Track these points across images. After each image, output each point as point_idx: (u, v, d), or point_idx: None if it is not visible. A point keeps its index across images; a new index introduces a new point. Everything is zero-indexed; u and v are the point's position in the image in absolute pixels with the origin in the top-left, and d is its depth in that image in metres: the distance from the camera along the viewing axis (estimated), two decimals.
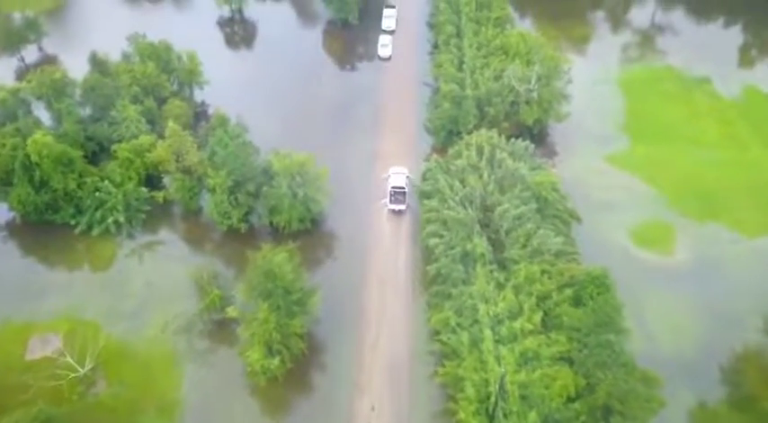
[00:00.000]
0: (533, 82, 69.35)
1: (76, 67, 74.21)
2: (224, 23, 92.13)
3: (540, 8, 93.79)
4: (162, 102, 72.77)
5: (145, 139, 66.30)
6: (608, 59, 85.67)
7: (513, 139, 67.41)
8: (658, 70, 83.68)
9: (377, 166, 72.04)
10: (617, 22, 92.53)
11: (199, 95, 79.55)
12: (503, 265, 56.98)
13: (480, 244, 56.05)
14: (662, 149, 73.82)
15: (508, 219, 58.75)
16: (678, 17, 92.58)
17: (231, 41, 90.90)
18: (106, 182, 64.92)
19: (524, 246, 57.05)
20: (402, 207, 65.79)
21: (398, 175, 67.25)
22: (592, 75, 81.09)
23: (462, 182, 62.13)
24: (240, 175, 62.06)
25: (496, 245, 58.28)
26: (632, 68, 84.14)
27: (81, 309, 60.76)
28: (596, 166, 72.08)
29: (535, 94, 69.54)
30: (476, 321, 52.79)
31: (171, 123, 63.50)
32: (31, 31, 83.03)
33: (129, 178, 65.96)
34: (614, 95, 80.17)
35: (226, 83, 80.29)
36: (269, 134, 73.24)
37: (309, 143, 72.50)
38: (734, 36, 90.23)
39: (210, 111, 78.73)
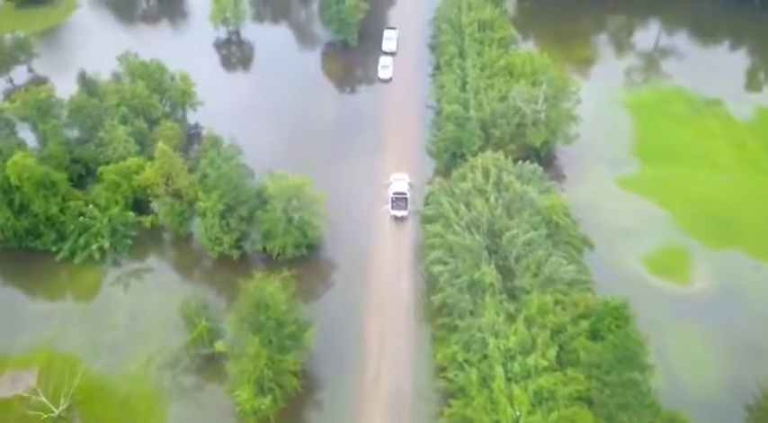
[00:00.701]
0: (541, 102, 65.83)
1: (67, 89, 70.62)
2: (221, 45, 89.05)
3: (542, 29, 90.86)
4: (153, 123, 69.08)
5: (133, 161, 62.36)
6: (614, 81, 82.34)
7: (520, 162, 63.61)
8: (667, 92, 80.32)
9: (378, 190, 68.11)
10: (622, 43, 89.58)
11: (193, 117, 75.98)
12: (513, 295, 52.53)
13: (489, 272, 51.68)
14: (674, 172, 69.92)
15: (517, 245, 54.51)
16: (683, 39, 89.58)
17: (228, 63, 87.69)
18: (91, 206, 60.77)
19: (536, 274, 52.70)
20: (404, 213, 63.27)
21: (400, 181, 65.44)
22: (599, 96, 77.56)
23: (468, 205, 58.04)
24: (232, 199, 57.96)
25: (506, 273, 53.91)
26: (640, 90, 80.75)
27: (60, 341, 56.10)
28: (607, 189, 68.10)
29: (543, 115, 65.94)
30: (485, 357, 48.13)
31: (160, 144, 59.60)
32: (21, 51, 79.78)
33: (116, 202, 61.82)
34: (623, 117, 76.61)
35: (221, 105, 76.81)
36: (265, 157, 69.42)
37: (307, 167, 68.44)
38: (742, 57, 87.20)
39: (204, 133, 75.13)
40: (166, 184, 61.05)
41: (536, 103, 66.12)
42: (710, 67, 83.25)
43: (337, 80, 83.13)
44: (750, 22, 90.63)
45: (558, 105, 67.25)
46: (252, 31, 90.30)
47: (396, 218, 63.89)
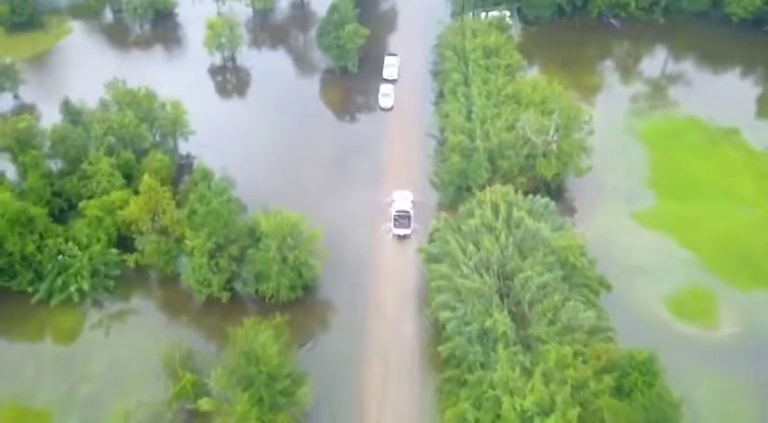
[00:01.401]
0: (552, 133, 61.52)
1: (54, 116, 66.37)
2: (216, 71, 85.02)
3: (548, 54, 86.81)
4: (142, 154, 64.59)
5: (117, 194, 57.71)
6: (625, 108, 78.12)
7: (530, 196, 59.05)
8: (680, 121, 76.02)
9: (378, 225, 63.41)
10: (630, 69, 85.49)
11: (185, 146, 71.64)
12: (527, 345, 47.44)
13: (502, 320, 46.64)
14: (694, 206, 65.28)
15: (531, 288, 49.59)
16: (694, 65, 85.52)
17: (223, 90, 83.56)
18: (70, 244, 55.88)
19: (552, 321, 47.68)
20: (407, 231, 60.54)
21: (403, 199, 62.69)
22: (610, 124, 73.22)
23: (476, 244, 53.24)
24: (222, 237, 53.15)
25: (519, 319, 48.91)
26: (652, 119, 76.49)
27: (31, 395, 50.75)
28: (623, 224, 63.35)
29: (554, 147, 61.56)
30: (498, 417, 42.86)
31: (146, 178, 55.02)
32: (6, 78, 75.72)
33: (98, 239, 56.98)
34: (636, 147, 72.18)
35: (215, 133, 72.54)
36: (260, 190, 65.18)
37: (305, 200, 64.34)
38: (755, 84, 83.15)
39: (196, 163, 70.74)
40: (152, 220, 56.41)
41: (546, 133, 61.80)
42: (724, 95, 79.12)
43: (337, 108, 78.95)
44: (761, 48, 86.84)
45: (570, 136, 62.93)
46: (248, 57, 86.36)
47: (398, 237, 60.66)
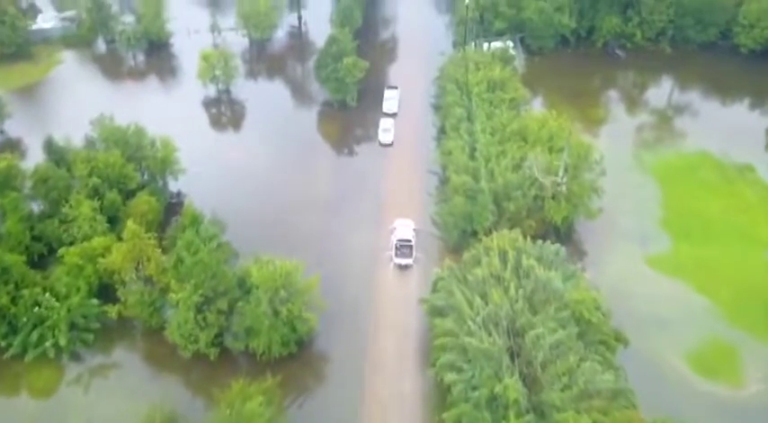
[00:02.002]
0: (561, 174, 57.75)
1: (41, 152, 62.80)
2: (210, 103, 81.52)
3: (553, 86, 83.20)
4: (129, 194, 60.70)
5: (98, 241, 53.60)
6: (634, 143, 74.44)
7: (539, 241, 54.97)
8: (692, 156, 72.32)
9: (377, 270, 59.36)
10: (638, 102, 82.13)
11: (175, 185, 67.79)
12: (541, 412, 42.94)
13: (513, 386, 42.21)
14: (710, 249, 61.18)
15: (543, 347, 45.17)
16: (703, 98, 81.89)
17: (217, 123, 79.98)
18: (47, 294, 51.58)
19: (567, 386, 43.30)
20: (409, 261, 58.13)
21: (405, 227, 60.28)
22: (619, 160, 69.31)
23: (483, 297, 49.00)
24: (210, 290, 48.97)
25: (531, 382, 44.46)
26: (663, 154, 72.71)
27: None
28: (637, 270, 59.20)
29: (563, 188, 57.74)
30: None
31: (130, 223, 51.01)
32: None
33: (78, 289, 52.65)
34: (647, 185, 68.31)
35: (208, 169, 68.92)
36: (253, 231, 61.52)
37: (300, 242, 60.67)
38: (767, 118, 79.97)
39: (186, 203, 66.72)
40: (136, 269, 52.30)
41: (555, 174, 58.02)
42: (735, 128, 75.35)
43: (335, 143, 75.23)
44: None
45: (580, 176, 59.12)
46: (244, 89, 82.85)
47: (400, 266, 58.15)
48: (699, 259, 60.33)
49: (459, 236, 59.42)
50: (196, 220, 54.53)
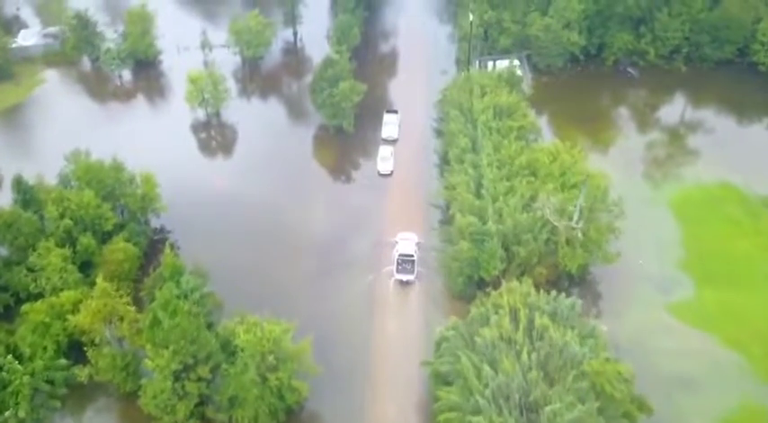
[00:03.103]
0: (576, 218, 51.76)
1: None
2: (199, 127, 75.33)
3: (560, 108, 77.07)
4: (105, 236, 54.87)
5: (67, 295, 47.78)
6: (650, 173, 68.23)
7: (553, 293, 49.03)
8: (713, 188, 66.07)
9: (376, 322, 53.56)
10: (652, 125, 75.75)
11: (158, 219, 61.93)
12: None
13: None
14: (737, 295, 55.20)
15: None
16: (724, 124, 74.57)
17: (206, 148, 73.86)
18: (9, 357, 45.67)
19: None
20: (410, 277, 55.53)
21: (407, 242, 57.63)
22: (634, 193, 62.96)
23: (493, 364, 43.12)
24: (190, 357, 43.10)
25: None
26: (682, 186, 66.34)
27: None
28: (658, 320, 53.33)
29: (579, 234, 51.76)
30: None
31: (100, 281, 45.12)
32: None
33: (44, 349, 46.87)
34: (665, 221, 62.11)
35: (195, 201, 63.24)
36: (240, 274, 56.03)
37: (291, 288, 55.29)
38: None
39: (173, 237, 61.15)
40: (108, 327, 46.47)
41: (570, 218, 52.01)
42: (759, 156, 68.71)
43: (330, 172, 69.16)
44: None
45: (596, 219, 53.11)
46: (235, 111, 76.45)
47: (401, 282, 55.56)
48: (725, 306, 54.42)
49: (464, 283, 53.50)
50: (177, 272, 48.58)
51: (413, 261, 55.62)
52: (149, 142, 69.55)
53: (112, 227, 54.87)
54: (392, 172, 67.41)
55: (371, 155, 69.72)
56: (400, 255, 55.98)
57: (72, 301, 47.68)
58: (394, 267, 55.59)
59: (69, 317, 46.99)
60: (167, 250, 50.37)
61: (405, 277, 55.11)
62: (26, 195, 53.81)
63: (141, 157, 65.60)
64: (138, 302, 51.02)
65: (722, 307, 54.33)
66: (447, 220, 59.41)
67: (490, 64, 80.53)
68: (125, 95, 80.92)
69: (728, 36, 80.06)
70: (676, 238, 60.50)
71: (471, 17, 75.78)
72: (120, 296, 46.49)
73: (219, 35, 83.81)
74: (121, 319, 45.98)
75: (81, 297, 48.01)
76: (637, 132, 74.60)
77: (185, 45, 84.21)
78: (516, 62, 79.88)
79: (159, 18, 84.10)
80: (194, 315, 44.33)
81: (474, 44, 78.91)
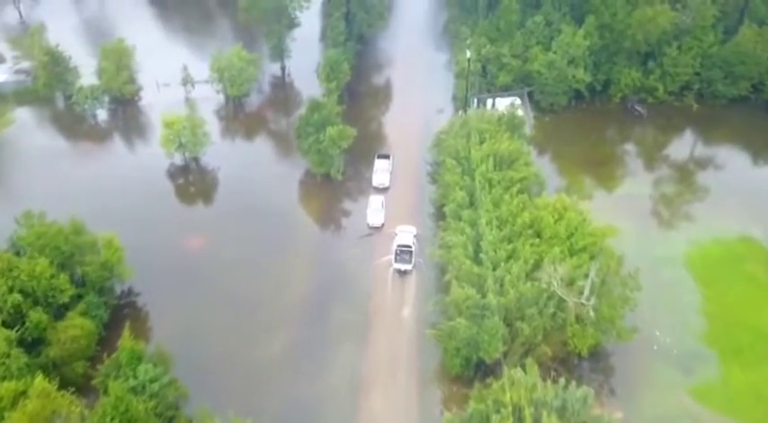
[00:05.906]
0: (587, 293, 45.15)
1: None
2: (176, 173, 68.78)
3: (564, 151, 70.53)
4: (61, 309, 48.31)
5: (8, 387, 40.76)
6: (664, 226, 61.78)
7: (562, 381, 42.22)
8: (733, 243, 59.40)
9: (362, 398, 46.88)
10: (664, 170, 69.15)
11: (126, 281, 55.49)
12: None
13: None
14: None
15: None
16: (738, 165, 68.87)
17: (183, 196, 67.30)
18: None
19: None
20: (408, 267, 56.21)
21: (406, 233, 58.40)
22: (648, 251, 56.64)
23: None
24: None
25: None
26: (699, 241, 59.51)
27: None
28: (679, 406, 46.42)
29: (591, 312, 45.10)
30: None
31: (39, 381, 38.48)
32: None
33: None
34: (683, 285, 55.38)
35: (167, 259, 57.09)
36: (212, 350, 49.47)
37: (270, 368, 48.80)
38: None
39: (140, 302, 54.79)
40: None
41: (580, 293, 45.38)
42: None
43: (317, 225, 62.54)
44: None
45: (610, 294, 46.48)
46: (216, 155, 69.85)
47: (399, 272, 56.27)
48: (755, 388, 47.63)
49: (462, 364, 46.74)
50: (135, 357, 42.07)
51: (411, 252, 56.78)
52: (121, 190, 63.56)
53: (69, 299, 48.23)
54: (383, 224, 60.93)
55: (361, 204, 63.26)
56: (399, 245, 57.00)
57: (11, 394, 40.85)
58: (393, 257, 56.48)
59: (7, 415, 40.21)
60: (125, 333, 43.82)
61: (402, 267, 56.17)
62: None
63: (111, 209, 60.42)
64: (89, 391, 44.41)
65: (752, 388, 47.57)
66: (443, 287, 52.49)
67: (489, 102, 74.38)
68: (99, 137, 74.57)
69: (742, 71, 74.03)
70: (696, 304, 53.77)
71: (468, 53, 69.62)
72: (62, 397, 39.63)
73: (203, 68, 77.58)
74: (66, 420, 39.26)
75: (24, 388, 41.21)
76: (646, 177, 68.21)
77: (166, 81, 77.96)
78: (517, 100, 73.62)
79: (139, 52, 78.03)
80: (151, 415, 37.65)
81: (472, 81, 72.72)
